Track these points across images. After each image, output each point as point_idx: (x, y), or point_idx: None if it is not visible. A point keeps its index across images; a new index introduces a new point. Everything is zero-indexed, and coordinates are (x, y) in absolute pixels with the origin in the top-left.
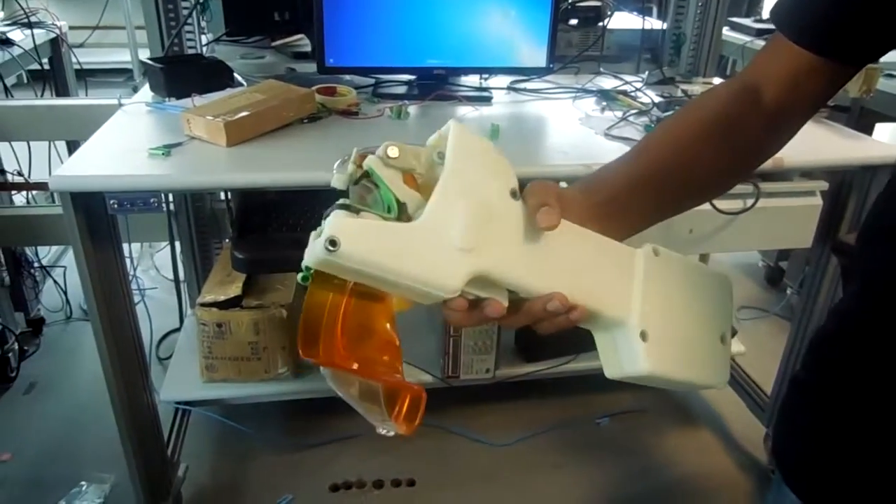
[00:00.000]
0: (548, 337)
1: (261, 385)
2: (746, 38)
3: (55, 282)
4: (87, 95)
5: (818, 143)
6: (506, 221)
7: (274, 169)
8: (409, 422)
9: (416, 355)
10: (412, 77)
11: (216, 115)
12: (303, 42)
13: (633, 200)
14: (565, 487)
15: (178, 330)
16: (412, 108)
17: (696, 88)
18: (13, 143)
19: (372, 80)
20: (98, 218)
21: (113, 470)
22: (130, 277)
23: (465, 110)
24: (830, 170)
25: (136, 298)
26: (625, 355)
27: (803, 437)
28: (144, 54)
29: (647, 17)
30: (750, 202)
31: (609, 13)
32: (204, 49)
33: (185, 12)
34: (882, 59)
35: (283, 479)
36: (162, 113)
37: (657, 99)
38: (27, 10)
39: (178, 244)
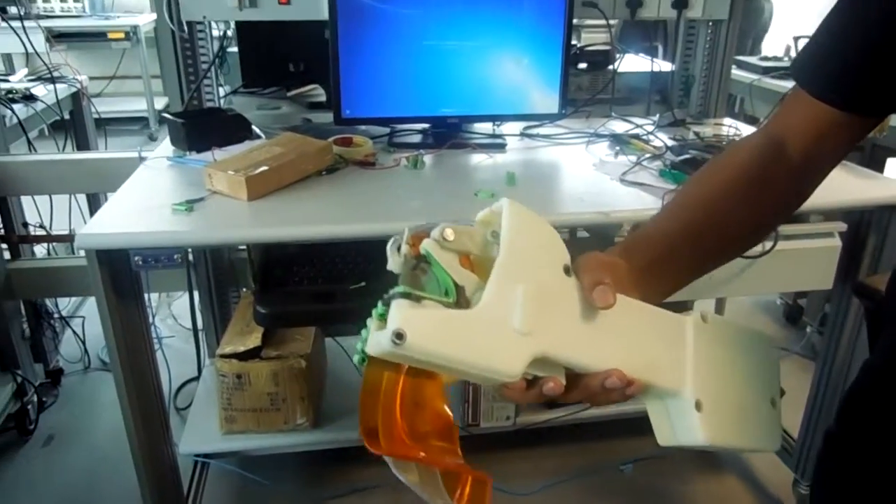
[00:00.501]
0: None
1: (280, 436)
2: (753, 77)
3: (74, 332)
4: (105, 145)
5: (834, 184)
6: (562, 300)
7: (295, 223)
8: None
9: None
10: (427, 126)
11: (237, 169)
12: (317, 92)
13: (671, 262)
14: None
15: (195, 379)
16: (428, 158)
17: (707, 130)
18: (35, 196)
19: (387, 130)
20: (122, 273)
21: None
22: None
23: (479, 158)
24: (848, 210)
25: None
26: (679, 425)
27: (840, 495)
28: (160, 102)
29: (654, 59)
30: (769, 245)
31: (618, 56)
32: (221, 101)
33: (204, 66)
34: None
35: None
36: (183, 167)
37: (670, 142)
38: (50, 67)
39: (196, 293)
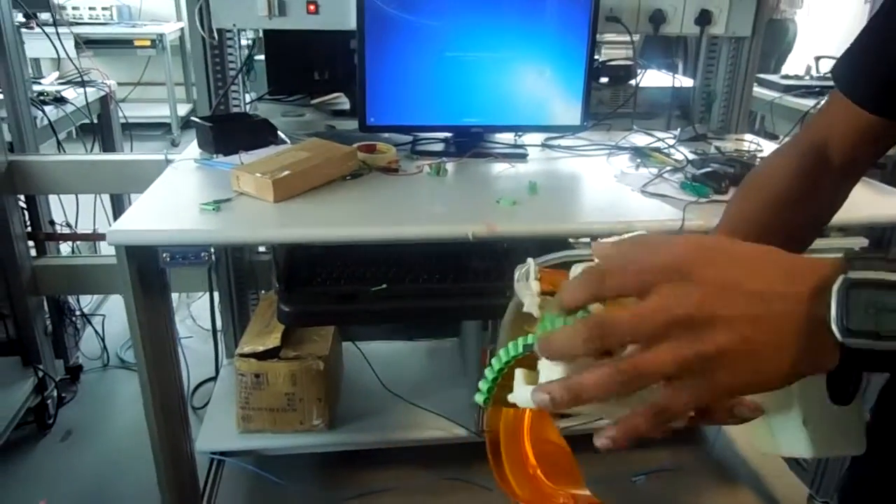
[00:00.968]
0: None
1: (295, 436)
2: (775, 95)
3: (95, 330)
4: (131, 148)
5: (856, 200)
6: None
7: (320, 225)
8: None
9: (450, 408)
10: (449, 134)
11: (264, 172)
12: (341, 100)
13: None
14: None
15: (212, 379)
16: (450, 165)
17: (728, 145)
18: (61, 196)
19: (410, 138)
20: (150, 270)
21: None
22: None
23: (501, 167)
24: (870, 226)
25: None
26: (785, 439)
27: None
28: (183, 109)
29: (675, 75)
30: None
31: (640, 72)
32: (247, 107)
33: (232, 73)
34: None
35: None
36: (210, 169)
37: (691, 156)
38: (81, 71)
39: (216, 295)
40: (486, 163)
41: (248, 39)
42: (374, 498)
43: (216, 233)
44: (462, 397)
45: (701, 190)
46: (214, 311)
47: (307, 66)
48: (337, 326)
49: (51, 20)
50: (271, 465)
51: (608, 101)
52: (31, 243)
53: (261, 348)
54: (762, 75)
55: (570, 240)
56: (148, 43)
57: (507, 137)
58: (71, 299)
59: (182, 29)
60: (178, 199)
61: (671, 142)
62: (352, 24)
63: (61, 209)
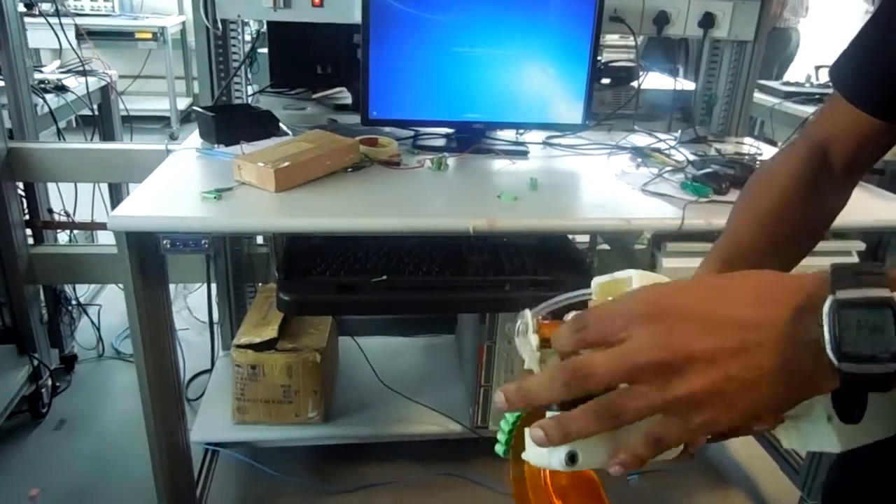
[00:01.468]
0: None
1: (290, 428)
2: (775, 101)
3: (91, 320)
4: (131, 140)
5: (854, 204)
6: None
7: (321, 215)
8: None
9: (445, 404)
10: (451, 130)
11: (266, 161)
12: (343, 94)
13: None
14: None
15: (207, 371)
16: (451, 160)
17: (728, 148)
18: (59, 185)
19: (411, 133)
20: (150, 257)
21: None
22: None
23: (502, 163)
24: (867, 231)
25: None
26: (809, 433)
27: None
28: (182, 103)
29: (677, 78)
30: None
31: (643, 73)
32: (249, 99)
33: (235, 65)
34: None
35: None
36: (211, 159)
37: (691, 157)
38: (83, 60)
39: (213, 286)
40: (487, 159)
41: (251, 32)
42: (369, 492)
43: (217, 220)
44: (458, 393)
45: (701, 190)
46: (212, 302)
47: (310, 60)
48: (335, 319)
49: (52, 10)
50: (266, 456)
51: (610, 102)
52: (28, 231)
53: (258, 339)
54: (763, 81)
55: (570, 236)
56: (149, 36)
57: (509, 134)
58: (67, 288)
59: (183, 22)
60: (180, 187)
61: (672, 143)
62: (356, 17)
63: (60, 199)
